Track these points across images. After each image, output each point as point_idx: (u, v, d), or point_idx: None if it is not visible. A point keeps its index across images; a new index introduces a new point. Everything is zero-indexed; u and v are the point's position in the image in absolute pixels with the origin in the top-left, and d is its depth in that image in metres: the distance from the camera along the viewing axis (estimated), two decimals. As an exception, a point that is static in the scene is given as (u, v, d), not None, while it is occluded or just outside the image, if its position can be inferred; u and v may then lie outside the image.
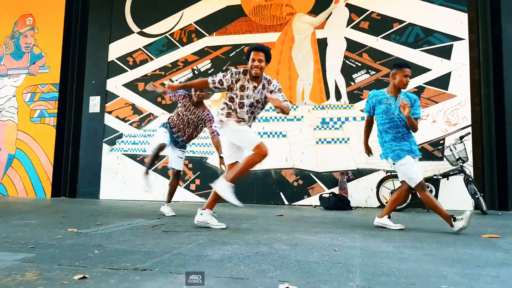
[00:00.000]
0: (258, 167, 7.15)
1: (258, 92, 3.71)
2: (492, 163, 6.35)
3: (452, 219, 3.63)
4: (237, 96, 3.69)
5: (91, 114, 8.13)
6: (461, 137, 5.87)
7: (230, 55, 7.57)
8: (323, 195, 6.44)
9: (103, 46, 8.22)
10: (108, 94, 8.10)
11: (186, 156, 7.45)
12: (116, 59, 8.15)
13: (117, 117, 8.02)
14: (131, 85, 8.02)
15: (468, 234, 3.57)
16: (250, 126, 3.83)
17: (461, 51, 6.54)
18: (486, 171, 6.39)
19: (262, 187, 7.11)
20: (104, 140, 8.01)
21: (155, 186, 7.58)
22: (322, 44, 7.12)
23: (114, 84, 8.10)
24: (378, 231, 3.71)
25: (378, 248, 2.79)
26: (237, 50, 7.53)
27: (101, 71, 8.18)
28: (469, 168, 6.03)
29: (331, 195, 6.28)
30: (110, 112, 8.06)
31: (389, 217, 3.99)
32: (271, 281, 1.84)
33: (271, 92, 3.72)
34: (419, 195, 3.86)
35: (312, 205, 6.73)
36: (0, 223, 3.86)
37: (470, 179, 5.70)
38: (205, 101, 7.50)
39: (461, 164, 5.75)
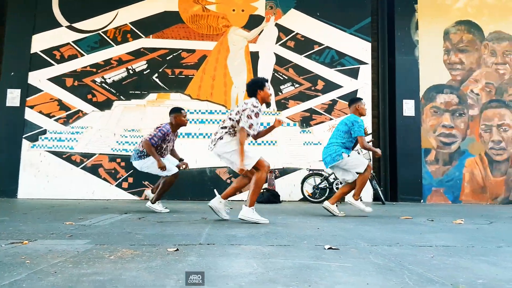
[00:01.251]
0: (194, 166, 7.70)
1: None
2: (386, 164, 7.98)
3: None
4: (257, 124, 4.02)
5: (9, 108, 7.59)
6: (366, 143, 7.28)
7: (167, 58, 7.90)
8: (255, 191, 7.27)
9: (25, 37, 7.75)
10: (30, 88, 7.68)
11: (118, 155, 7.63)
12: (40, 51, 7.77)
13: (40, 112, 7.66)
14: (58, 80, 7.75)
15: (389, 217, 4.76)
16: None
17: (365, 73, 8.04)
18: (382, 170, 7.99)
19: (198, 184, 7.65)
20: (24, 136, 7.57)
21: (84, 184, 7.53)
22: (254, 57, 7.97)
23: (38, 78, 7.72)
24: (325, 216, 4.67)
25: (344, 226, 3.72)
26: (174, 54, 7.91)
27: (22, 63, 7.70)
28: (371, 168, 7.50)
29: (264, 190, 7.15)
30: (32, 107, 7.65)
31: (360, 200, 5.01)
32: (311, 245, 2.58)
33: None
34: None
35: (245, 200, 7.49)
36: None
37: (373, 176, 7.14)
38: (139, 101, 7.79)
39: (366, 164, 7.16)
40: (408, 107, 7.95)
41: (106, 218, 4.15)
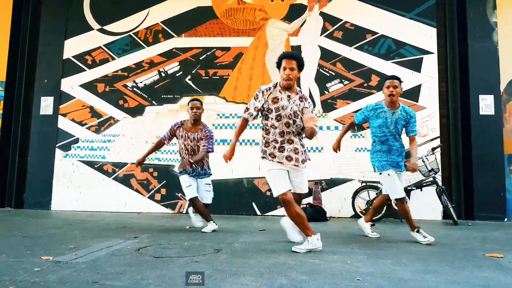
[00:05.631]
0: (230, 176, 6.93)
1: (294, 102, 3.50)
2: (459, 174, 6.60)
3: (416, 230, 3.99)
4: (271, 111, 3.48)
5: (43, 116, 7.36)
6: (433, 149, 6.01)
7: (200, 58, 7.22)
8: (298, 206, 6.30)
9: (58, 43, 7.49)
10: (62, 95, 7.39)
11: (151, 164, 7.03)
12: (72, 57, 7.46)
13: (72, 120, 7.34)
14: (90, 86, 7.38)
15: (466, 251, 3.57)
16: (293, 147, 3.50)
17: (430, 64, 6.74)
18: (453, 181, 6.63)
19: (234, 196, 6.85)
20: (57, 145, 7.29)
21: (116, 196, 7.06)
22: (296, 51, 7.02)
23: (70, 84, 7.40)
24: (377, 248, 3.61)
25: (397, 274, 2.67)
26: (208, 53, 7.20)
27: (54, 70, 7.44)
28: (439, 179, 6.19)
29: (307, 206, 6.17)
30: (64, 115, 7.35)
31: (372, 225, 4.45)
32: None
33: (306, 108, 3.54)
34: (396, 207, 4.23)
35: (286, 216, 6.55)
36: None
37: (443, 189, 5.85)
38: (172, 105, 7.16)
39: (433, 175, 5.89)
40: (486, 104, 6.52)
41: (100, 247, 3.45)
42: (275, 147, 3.48)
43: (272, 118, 3.48)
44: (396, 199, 4.05)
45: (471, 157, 6.44)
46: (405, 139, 4.14)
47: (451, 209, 5.74)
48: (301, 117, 3.49)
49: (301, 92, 3.63)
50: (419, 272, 2.73)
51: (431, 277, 2.61)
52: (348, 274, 2.64)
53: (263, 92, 3.53)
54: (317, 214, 6.03)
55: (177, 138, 4.84)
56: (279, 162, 3.46)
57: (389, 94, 4.05)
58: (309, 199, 6.55)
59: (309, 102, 3.62)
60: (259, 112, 3.59)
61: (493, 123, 6.49)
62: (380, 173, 4.13)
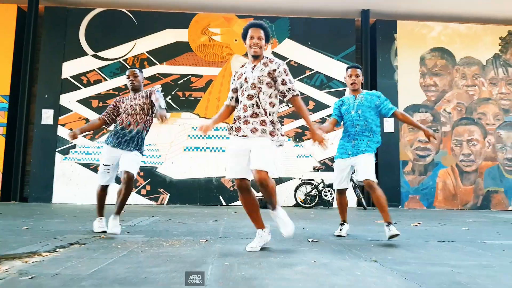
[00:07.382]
0: (202, 175, 8.90)
1: (257, 69, 3.18)
2: (369, 174, 9.22)
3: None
4: (240, 87, 3.24)
5: (44, 126, 8.83)
6: (351, 156, 8.50)
7: (179, 82, 9.15)
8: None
9: (57, 64, 8.99)
10: (61, 108, 8.91)
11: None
12: (70, 77, 9.01)
13: (70, 129, 8.89)
14: (85, 102, 8.98)
15: (366, 221, 5.97)
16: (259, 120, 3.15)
17: (351, 94, 9.28)
18: (365, 179, 9.22)
19: (205, 191, 8.87)
20: (57, 150, 8.80)
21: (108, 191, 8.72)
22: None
23: (68, 100, 8.95)
24: (318, 220, 5.89)
25: (324, 227, 4.94)
26: (185, 79, 9.15)
27: (54, 87, 8.94)
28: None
29: (262, 197, 8.37)
30: (63, 125, 8.88)
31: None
32: (297, 239, 3.79)
33: (274, 71, 3.19)
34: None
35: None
36: (44, 221, 4.97)
37: (357, 184, 8.36)
38: (154, 120, 9.01)
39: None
40: (388, 124, 9.18)
41: (142, 220, 5.36)
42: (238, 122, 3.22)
43: (239, 95, 3.27)
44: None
45: (377, 162, 9.07)
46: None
47: (362, 199, 8.28)
48: (268, 83, 3.17)
49: (267, 57, 3.27)
50: (336, 226, 5.01)
51: (355, 231, 4.88)
52: (298, 228, 4.85)
53: (234, 73, 3.38)
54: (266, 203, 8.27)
55: (120, 111, 4.18)
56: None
57: (351, 83, 4.03)
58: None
59: (276, 63, 3.23)
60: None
61: (393, 137, 9.18)
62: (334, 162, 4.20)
